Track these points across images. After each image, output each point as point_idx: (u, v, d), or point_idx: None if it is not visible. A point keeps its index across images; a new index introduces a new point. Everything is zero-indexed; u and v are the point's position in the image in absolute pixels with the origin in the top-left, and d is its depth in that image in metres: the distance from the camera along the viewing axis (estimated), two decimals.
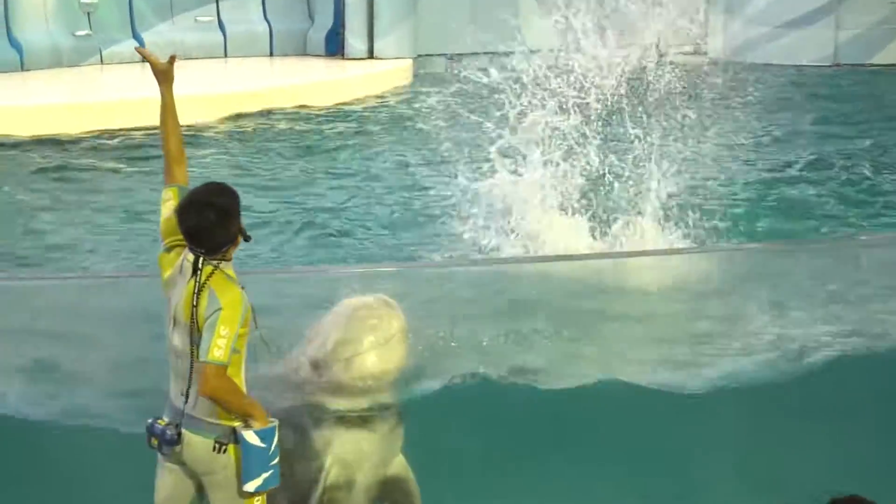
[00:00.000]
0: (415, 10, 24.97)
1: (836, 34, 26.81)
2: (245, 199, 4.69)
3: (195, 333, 4.45)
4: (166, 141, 5.00)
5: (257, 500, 4.53)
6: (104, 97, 19.13)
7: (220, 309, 4.36)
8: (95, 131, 17.50)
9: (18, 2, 21.98)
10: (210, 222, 4.41)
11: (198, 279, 4.44)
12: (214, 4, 24.83)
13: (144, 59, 5.04)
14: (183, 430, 4.53)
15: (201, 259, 4.44)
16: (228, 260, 4.52)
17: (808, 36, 26.78)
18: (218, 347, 4.30)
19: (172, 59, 5.01)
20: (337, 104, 20.70)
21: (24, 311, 6.88)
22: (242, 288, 4.51)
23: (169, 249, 4.72)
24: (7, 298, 7.10)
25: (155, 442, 4.57)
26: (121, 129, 17.63)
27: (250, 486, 4.44)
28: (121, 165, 15.92)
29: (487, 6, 25.89)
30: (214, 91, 20.11)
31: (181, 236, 4.56)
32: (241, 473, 4.47)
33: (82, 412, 6.06)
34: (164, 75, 4.99)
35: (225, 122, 18.81)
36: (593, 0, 26.15)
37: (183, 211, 4.49)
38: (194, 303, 4.44)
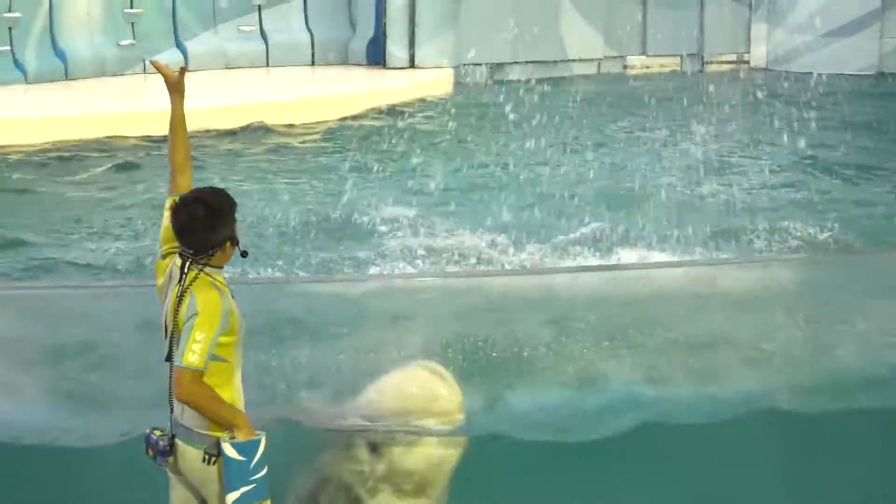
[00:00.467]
0: (456, 19, 24.95)
1: (880, 43, 26.59)
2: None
3: (175, 339, 4.43)
4: (174, 151, 5.02)
5: None
6: (147, 107, 19.22)
7: (196, 314, 4.31)
8: (139, 137, 17.63)
9: (63, 12, 22.14)
10: (198, 219, 4.41)
11: (182, 283, 4.43)
12: (257, 13, 24.90)
13: (158, 70, 5.02)
14: (176, 440, 4.51)
15: (188, 262, 4.43)
16: (217, 266, 4.48)
17: (852, 45, 26.60)
18: (192, 352, 4.23)
19: (183, 71, 5.06)
20: (374, 113, 20.76)
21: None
22: (233, 297, 4.49)
23: (164, 256, 4.72)
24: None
25: (151, 453, 4.56)
26: (163, 136, 17.73)
27: (229, 499, 4.36)
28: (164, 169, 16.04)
29: (529, 15, 25.86)
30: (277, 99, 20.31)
31: (177, 243, 4.58)
32: (224, 486, 4.42)
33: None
34: (175, 86, 5.01)
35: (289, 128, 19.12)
36: (636, 7, 26.39)
37: (176, 209, 4.52)
38: (176, 307, 4.42)
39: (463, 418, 5.10)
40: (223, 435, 4.40)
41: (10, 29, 21.31)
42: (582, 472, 6.03)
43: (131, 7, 23.18)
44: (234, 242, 4.48)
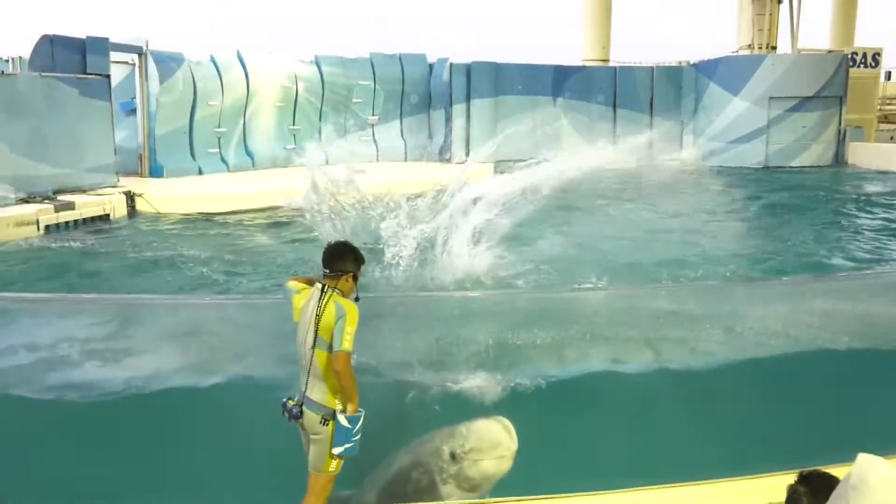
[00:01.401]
0: (495, 132, 25.05)
1: (766, 147, 26.32)
2: None
3: (317, 336, 4.29)
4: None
5: (335, 462, 4.32)
6: (301, 187, 19.45)
7: (345, 314, 4.21)
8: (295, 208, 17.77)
9: (252, 127, 22.54)
10: (339, 251, 4.38)
11: (323, 296, 4.32)
12: (371, 129, 25.15)
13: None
14: (304, 408, 4.39)
15: (326, 284, 4.36)
16: (344, 292, 4.32)
17: (748, 148, 26.37)
18: (346, 340, 4.15)
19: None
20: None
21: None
22: None
23: (297, 292, 4.55)
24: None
25: (286, 415, 4.43)
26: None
27: (336, 451, 4.28)
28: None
29: (541, 129, 25.93)
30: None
31: (304, 285, 4.51)
32: (332, 441, 4.32)
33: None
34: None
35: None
36: (609, 124, 26.09)
37: (329, 245, 4.48)
38: (318, 313, 4.29)
39: (512, 464, 4.99)
40: (338, 407, 4.30)
41: (219, 138, 21.65)
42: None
43: (293, 124, 23.51)
44: (355, 278, 4.34)
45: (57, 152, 16.10)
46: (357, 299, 4.33)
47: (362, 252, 4.47)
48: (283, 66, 23.11)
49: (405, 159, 25.32)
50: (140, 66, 19.85)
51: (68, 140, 16.43)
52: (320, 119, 24.07)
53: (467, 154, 24.82)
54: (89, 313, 6.44)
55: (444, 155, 25.07)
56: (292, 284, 4.59)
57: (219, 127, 21.57)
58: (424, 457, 4.96)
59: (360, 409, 4.27)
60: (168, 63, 20.17)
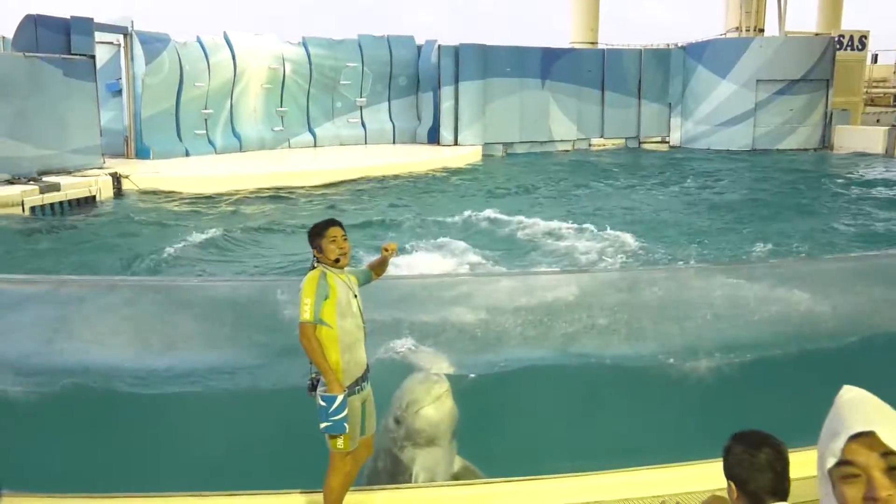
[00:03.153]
0: (483, 114, 24.98)
1: (754, 130, 26.35)
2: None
3: None
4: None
5: (339, 439, 4.11)
6: (289, 168, 19.37)
7: (302, 286, 4.08)
8: (285, 188, 17.70)
9: (239, 109, 22.36)
10: (312, 229, 4.25)
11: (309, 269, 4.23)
12: (359, 111, 25.01)
13: (385, 253, 4.39)
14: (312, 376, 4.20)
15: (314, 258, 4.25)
16: (323, 263, 4.15)
17: (735, 131, 26.39)
18: (302, 311, 3.99)
19: (392, 249, 4.48)
20: (435, 171, 20.78)
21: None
22: (353, 285, 4.21)
23: None
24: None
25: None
26: (300, 186, 17.86)
27: (321, 426, 4.06)
28: (300, 210, 16.15)
29: (529, 113, 25.90)
30: (375, 163, 20.34)
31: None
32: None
33: None
34: (386, 260, 4.47)
35: (382, 179, 19.10)
36: (597, 107, 26.19)
37: None
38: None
39: (451, 402, 4.98)
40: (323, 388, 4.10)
41: (205, 120, 21.49)
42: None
43: (281, 106, 23.37)
44: (320, 250, 4.16)
45: (41, 133, 15.94)
46: (337, 260, 4.13)
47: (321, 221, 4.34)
48: (270, 48, 22.93)
49: (393, 142, 25.21)
50: (125, 47, 19.64)
51: (53, 121, 16.27)
52: (308, 101, 23.91)
53: (455, 136, 24.76)
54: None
55: (432, 137, 24.97)
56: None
57: (205, 108, 21.40)
58: (378, 443, 4.95)
59: (345, 390, 4.07)
60: (154, 44, 19.97)
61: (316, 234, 4.25)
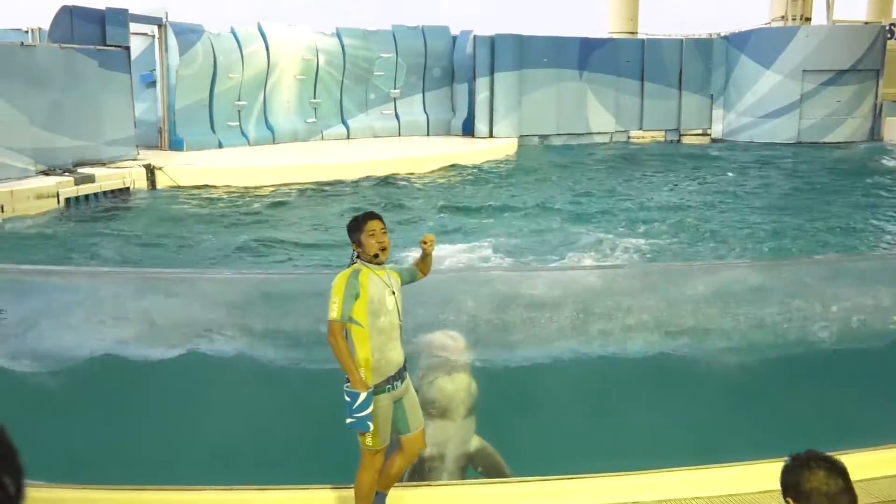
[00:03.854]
0: (519, 106, 24.82)
1: (799, 122, 25.87)
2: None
3: None
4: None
5: (368, 437, 4.11)
6: (324, 161, 19.42)
7: (332, 284, 4.06)
8: (317, 182, 17.73)
9: (272, 100, 22.45)
10: (350, 224, 4.24)
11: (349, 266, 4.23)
12: (393, 102, 24.99)
13: (424, 246, 4.32)
14: None
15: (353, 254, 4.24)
16: (362, 259, 4.14)
17: (779, 123, 25.94)
18: (331, 310, 3.99)
19: (430, 241, 4.41)
20: (473, 164, 20.75)
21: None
22: (389, 283, 4.14)
23: None
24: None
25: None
26: (336, 180, 17.90)
27: (347, 422, 4.06)
28: (333, 202, 16.18)
29: (565, 104, 25.71)
30: (416, 155, 20.34)
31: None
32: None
33: None
34: (427, 255, 4.40)
35: (433, 173, 19.26)
36: (636, 98, 25.92)
37: None
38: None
39: (469, 375, 4.89)
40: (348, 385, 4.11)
41: (239, 111, 21.60)
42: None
43: (314, 98, 23.41)
44: (359, 244, 4.14)
45: (76, 125, 16.13)
46: (376, 255, 4.13)
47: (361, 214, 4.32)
48: (303, 39, 22.98)
49: (427, 134, 25.15)
50: (160, 38, 19.81)
51: (88, 112, 16.46)
52: (341, 92, 23.94)
53: (490, 128, 24.64)
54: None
55: (466, 129, 24.87)
56: None
57: (239, 100, 21.52)
58: None
59: (370, 388, 4.05)
60: (188, 35, 20.11)
61: (354, 228, 4.23)
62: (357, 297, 4.05)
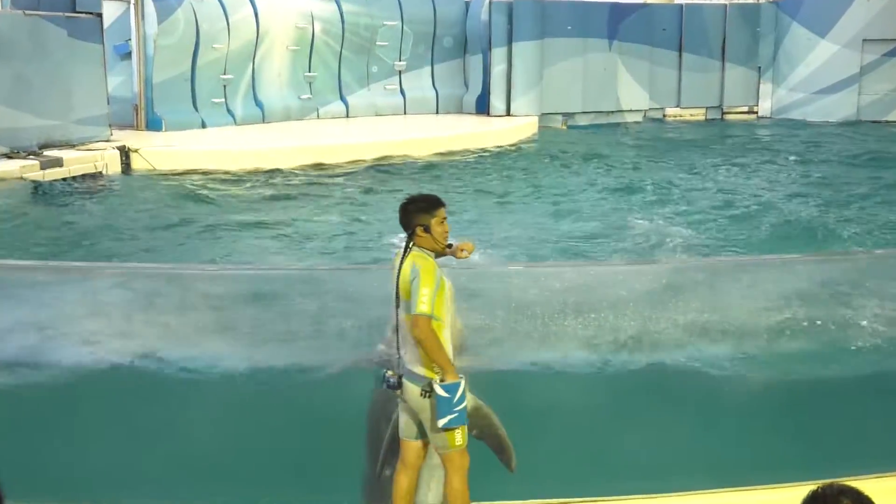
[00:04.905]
0: (541, 80, 24.82)
1: (858, 98, 25.78)
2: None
3: (398, 298, 4.41)
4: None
5: (457, 434, 4.41)
6: (320, 142, 19.47)
7: (419, 274, 4.27)
8: (312, 165, 17.81)
9: (261, 74, 22.50)
10: (405, 206, 4.47)
11: (405, 255, 4.43)
12: (398, 76, 25.02)
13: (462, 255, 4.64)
14: (403, 379, 4.49)
15: (408, 243, 4.45)
16: (422, 247, 4.41)
17: (836, 99, 25.86)
18: (422, 302, 4.21)
19: (469, 250, 4.73)
20: (485, 147, 20.76)
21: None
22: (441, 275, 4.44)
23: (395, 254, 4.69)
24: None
25: (384, 385, 4.56)
26: (333, 164, 17.98)
27: (440, 423, 4.37)
28: (331, 188, 16.27)
29: (593, 77, 25.68)
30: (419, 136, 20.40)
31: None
32: (436, 413, 4.41)
33: None
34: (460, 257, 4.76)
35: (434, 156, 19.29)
36: (673, 71, 25.88)
37: (406, 199, 4.59)
38: (397, 273, 4.42)
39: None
40: (434, 377, 4.37)
41: (224, 86, 21.68)
42: None
43: (309, 71, 23.46)
44: (427, 230, 4.38)
45: (43, 101, 16.24)
46: (450, 246, 4.43)
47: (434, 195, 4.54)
48: (297, 5, 23.04)
49: (437, 111, 25.19)
50: (135, 4, 19.90)
51: (55, 87, 16.57)
52: (340, 65, 24.00)
53: (508, 105, 24.64)
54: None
55: (481, 106, 24.89)
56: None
57: (224, 74, 21.59)
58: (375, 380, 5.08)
59: (459, 376, 4.36)
60: (167, 1, 20.21)
61: (424, 210, 4.43)
62: (439, 288, 4.31)
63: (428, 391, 4.38)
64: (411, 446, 4.63)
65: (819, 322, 6.10)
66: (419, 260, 4.35)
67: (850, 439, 5.56)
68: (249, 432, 5.53)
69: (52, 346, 5.83)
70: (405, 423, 4.65)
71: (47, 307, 6.05)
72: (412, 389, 4.46)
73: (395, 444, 4.85)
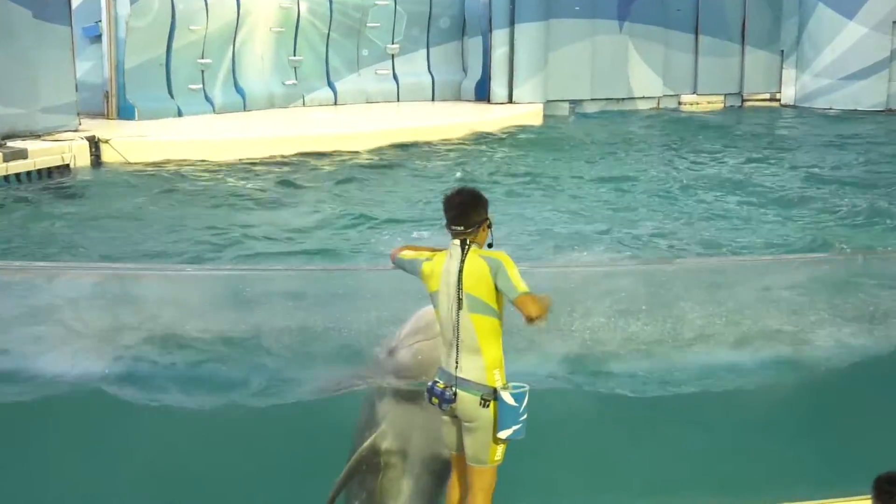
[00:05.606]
0: (546, 64, 24.84)
1: (889, 85, 25.82)
2: None
3: (464, 298, 4.46)
4: None
5: (500, 449, 4.51)
6: (306, 132, 19.48)
7: (501, 263, 4.41)
8: (297, 157, 17.82)
9: (242, 58, 22.50)
10: (469, 201, 4.56)
11: (465, 253, 4.48)
12: (390, 60, 25.01)
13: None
14: (457, 391, 4.51)
15: (465, 239, 4.50)
16: (479, 244, 4.54)
17: (865, 86, 25.89)
18: (521, 283, 4.35)
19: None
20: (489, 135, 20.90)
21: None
22: None
23: (428, 259, 4.71)
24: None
25: (435, 400, 4.57)
26: (319, 153, 18.03)
27: (503, 434, 4.42)
28: (317, 183, 16.30)
29: (602, 62, 25.69)
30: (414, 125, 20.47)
31: (429, 252, 4.72)
32: (497, 424, 4.45)
33: None
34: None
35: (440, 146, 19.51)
36: (689, 55, 25.94)
37: (452, 197, 4.64)
38: (461, 272, 4.47)
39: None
40: (496, 385, 4.44)
41: (202, 71, 21.69)
42: None
43: (294, 55, 23.46)
44: (489, 225, 4.54)
45: (6, 88, 16.26)
46: (490, 245, 4.56)
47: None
48: None
49: (432, 98, 25.20)
50: None
51: (19, 73, 16.58)
52: (327, 48, 24.01)
53: (510, 92, 24.66)
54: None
55: (481, 93, 24.91)
56: (411, 253, 4.79)
57: (202, 58, 21.61)
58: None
59: (522, 385, 4.45)
60: None
61: (487, 206, 4.60)
62: None
63: (488, 400, 4.44)
64: (461, 459, 4.68)
65: None
66: (491, 254, 4.48)
67: None
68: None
69: None
70: (448, 433, 4.68)
71: None
72: (468, 400, 4.49)
73: (359, 467, 4.93)
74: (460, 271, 4.46)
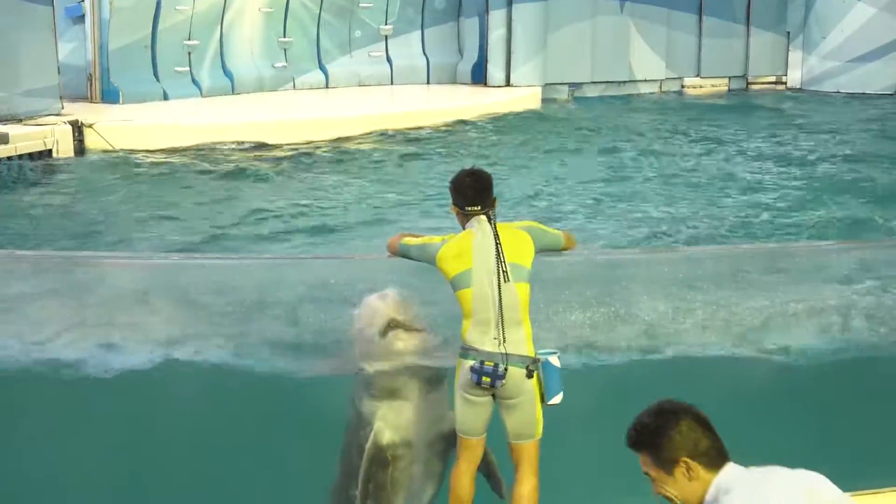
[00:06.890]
0: (544, 46, 24.81)
1: None
2: None
3: (508, 268, 4.60)
4: None
5: (541, 420, 4.67)
6: (296, 116, 19.45)
7: (532, 225, 4.96)
8: (288, 143, 17.79)
9: (231, 39, 22.46)
10: (483, 181, 4.87)
11: (494, 225, 4.73)
12: (384, 42, 25.00)
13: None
14: (508, 366, 4.57)
15: (490, 213, 4.78)
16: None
17: (874, 69, 25.92)
18: (555, 230, 5.08)
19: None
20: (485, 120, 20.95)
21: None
22: None
23: (445, 241, 4.82)
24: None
25: (487, 380, 4.55)
26: (310, 141, 17.99)
27: (555, 400, 4.55)
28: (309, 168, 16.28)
29: (603, 44, 25.68)
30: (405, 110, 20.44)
31: (439, 237, 4.91)
32: (545, 392, 4.59)
33: None
34: None
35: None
36: (692, 37, 25.95)
37: (464, 179, 4.89)
38: (499, 244, 4.66)
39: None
40: (536, 352, 4.63)
41: (189, 53, 21.64)
42: None
43: (284, 36, 23.42)
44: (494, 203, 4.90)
45: None
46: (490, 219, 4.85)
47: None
48: None
49: (427, 81, 25.19)
50: None
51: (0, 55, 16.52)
52: (318, 29, 23.97)
53: (507, 75, 24.65)
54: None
55: (477, 76, 24.90)
56: (417, 240, 5.00)
57: (189, 39, 21.56)
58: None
59: (553, 350, 4.70)
60: None
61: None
62: None
63: (533, 370, 4.58)
64: (479, 443, 4.77)
65: None
66: (515, 223, 4.92)
67: None
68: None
69: None
70: (476, 417, 4.69)
71: None
72: (515, 374, 4.57)
73: (371, 469, 5.00)
74: (498, 244, 4.64)
